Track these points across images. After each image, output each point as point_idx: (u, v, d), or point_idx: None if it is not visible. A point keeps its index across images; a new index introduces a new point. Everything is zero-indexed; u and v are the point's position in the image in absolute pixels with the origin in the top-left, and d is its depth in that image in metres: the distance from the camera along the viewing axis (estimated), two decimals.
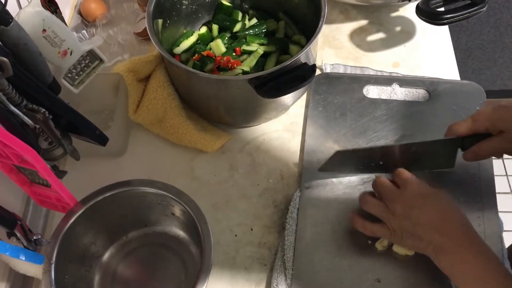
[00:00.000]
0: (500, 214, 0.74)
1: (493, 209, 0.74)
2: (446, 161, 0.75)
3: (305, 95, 0.90)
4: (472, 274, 0.60)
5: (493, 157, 0.72)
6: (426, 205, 0.65)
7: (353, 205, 0.76)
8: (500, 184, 0.68)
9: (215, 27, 0.94)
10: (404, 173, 0.69)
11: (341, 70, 0.93)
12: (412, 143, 0.74)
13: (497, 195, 0.75)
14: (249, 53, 0.90)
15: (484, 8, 0.81)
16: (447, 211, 0.65)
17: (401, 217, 0.66)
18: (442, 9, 0.84)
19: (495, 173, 0.77)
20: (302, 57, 0.75)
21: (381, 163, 0.77)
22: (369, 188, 0.75)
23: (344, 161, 0.78)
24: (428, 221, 0.64)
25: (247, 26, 0.94)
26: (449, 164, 0.75)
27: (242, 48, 0.90)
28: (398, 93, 0.88)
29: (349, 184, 0.79)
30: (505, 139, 0.67)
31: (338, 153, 0.78)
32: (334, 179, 0.79)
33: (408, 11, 1.01)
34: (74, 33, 0.99)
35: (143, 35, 0.98)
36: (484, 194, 0.75)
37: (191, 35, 0.92)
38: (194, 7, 0.93)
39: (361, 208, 0.72)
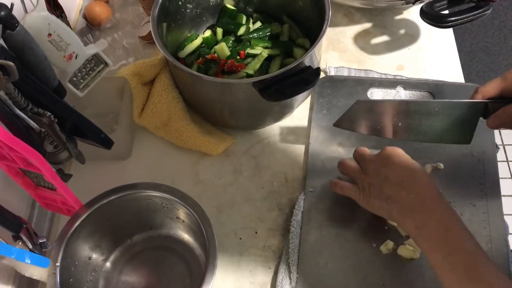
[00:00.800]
0: (505, 217, 0.73)
1: (498, 212, 0.74)
2: (464, 133, 0.71)
3: (309, 98, 0.90)
4: (435, 236, 0.59)
5: None
6: (397, 164, 0.66)
7: (357, 208, 0.76)
8: (506, 187, 0.68)
9: (219, 31, 0.94)
10: (365, 153, 0.72)
11: (345, 73, 0.93)
12: (435, 101, 0.72)
13: (503, 198, 0.75)
14: (253, 56, 0.90)
15: (489, 11, 0.81)
16: (416, 173, 0.65)
17: (371, 175, 0.68)
18: (446, 11, 0.84)
19: (500, 176, 0.77)
20: (306, 60, 0.75)
21: (399, 124, 0.73)
22: None
23: (363, 115, 0.75)
24: (396, 179, 0.65)
25: (251, 30, 0.94)
26: (466, 138, 0.71)
27: (246, 51, 0.90)
28: (402, 96, 0.88)
29: None
30: None
31: (358, 103, 0.74)
32: None
33: (412, 14, 1.01)
34: (79, 37, 1.00)
35: (147, 39, 0.98)
36: (489, 197, 0.75)
37: (196, 39, 0.92)
38: (198, 10, 0.94)
39: (338, 170, 0.74)
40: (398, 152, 0.68)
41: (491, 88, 0.67)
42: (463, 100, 0.69)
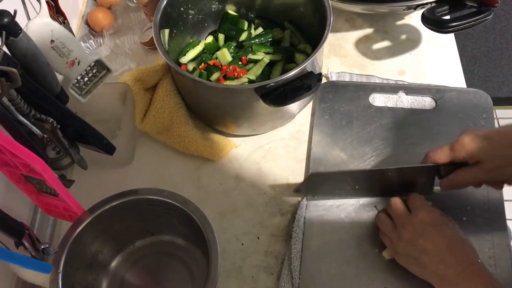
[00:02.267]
0: (508, 223, 0.73)
1: (501, 217, 0.73)
2: (423, 187, 0.73)
3: (311, 104, 0.90)
4: None
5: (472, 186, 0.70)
6: (434, 234, 0.65)
7: (358, 214, 0.76)
8: (508, 191, 0.67)
9: (221, 37, 0.95)
10: (417, 198, 0.69)
11: (347, 78, 0.94)
12: (388, 169, 0.72)
13: (505, 203, 0.75)
14: (255, 62, 0.90)
15: (490, 16, 0.81)
16: (455, 243, 0.64)
17: (407, 243, 0.66)
18: (448, 17, 0.84)
19: None
20: (308, 65, 0.75)
21: (356, 187, 0.75)
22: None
23: (319, 184, 0.77)
24: (434, 251, 0.64)
25: (253, 35, 0.95)
26: (427, 191, 0.74)
27: (248, 57, 0.90)
28: (404, 101, 0.88)
29: None
30: (482, 169, 0.66)
31: (312, 176, 0.77)
32: None
33: (414, 19, 1.01)
34: (82, 43, 1.00)
35: (149, 45, 0.99)
36: (491, 202, 0.75)
37: (198, 45, 0.93)
38: (200, 16, 0.94)
39: (377, 224, 0.73)
40: (434, 218, 0.66)
41: (441, 156, 0.69)
42: (416, 165, 0.72)
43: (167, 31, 0.86)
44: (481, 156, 0.66)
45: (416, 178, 0.72)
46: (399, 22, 1.01)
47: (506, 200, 0.75)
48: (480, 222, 0.73)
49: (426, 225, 0.66)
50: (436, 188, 0.75)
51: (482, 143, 0.66)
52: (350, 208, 0.77)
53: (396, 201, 0.71)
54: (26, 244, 0.63)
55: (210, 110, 0.85)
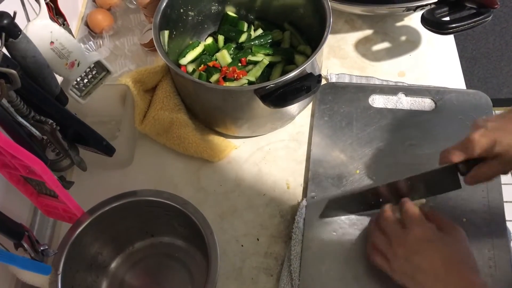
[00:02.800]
0: (508, 224, 0.73)
1: (501, 218, 0.73)
2: (449, 184, 0.71)
3: (310, 105, 0.90)
4: None
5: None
6: (429, 251, 0.62)
7: (359, 215, 0.76)
8: (508, 193, 0.67)
9: (221, 38, 0.95)
10: (411, 210, 0.67)
11: (346, 79, 0.94)
12: (408, 178, 0.71)
13: (505, 204, 0.75)
14: (255, 63, 0.90)
15: (490, 18, 0.81)
16: (452, 260, 0.62)
17: (403, 260, 0.63)
18: (447, 18, 0.84)
19: (502, 182, 0.77)
20: (307, 67, 0.75)
21: (381, 200, 0.74)
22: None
23: (340, 207, 0.76)
24: (430, 269, 0.61)
25: (252, 37, 0.95)
26: (455, 185, 0.70)
27: (248, 58, 0.90)
28: (404, 102, 0.88)
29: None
30: (503, 162, 0.64)
31: (330, 201, 0.76)
32: (340, 189, 0.79)
33: (413, 20, 1.01)
34: (81, 44, 1.00)
35: (149, 46, 0.99)
36: (491, 203, 0.75)
37: (197, 46, 0.93)
38: (200, 18, 0.94)
39: (368, 238, 0.71)
40: (430, 234, 0.64)
41: (455, 156, 0.66)
42: (435, 168, 0.70)
43: (166, 32, 0.86)
44: (498, 150, 0.63)
45: (438, 179, 0.70)
46: (399, 24, 1.01)
47: (506, 201, 0.75)
48: (480, 223, 0.73)
49: (421, 241, 0.63)
50: (421, 201, 0.73)
51: (495, 136, 0.63)
52: (349, 210, 0.77)
53: (387, 213, 0.68)
54: (26, 245, 0.63)
55: (210, 111, 0.85)
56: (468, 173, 0.67)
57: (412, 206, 0.68)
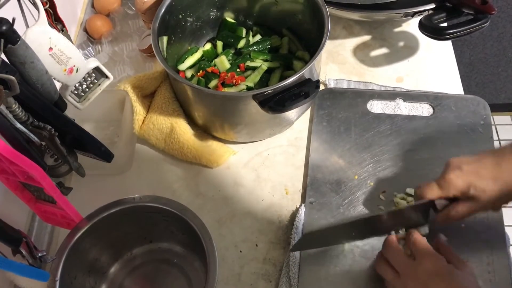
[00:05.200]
0: (506, 228, 0.73)
1: (499, 223, 0.73)
2: (419, 220, 0.70)
3: (309, 110, 0.90)
4: None
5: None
6: (440, 285, 0.61)
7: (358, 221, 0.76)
8: None
9: (219, 44, 0.95)
10: (420, 243, 0.65)
11: (344, 85, 0.94)
12: (382, 214, 0.70)
13: (503, 209, 0.75)
14: (253, 69, 0.90)
15: (487, 23, 0.81)
16: None
17: None
18: (445, 24, 0.85)
19: None
20: (306, 72, 0.75)
21: (353, 234, 0.73)
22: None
23: (316, 241, 0.73)
24: None
25: (251, 43, 0.95)
26: (423, 221, 0.71)
27: (246, 64, 0.91)
28: (402, 107, 0.88)
29: (353, 199, 0.78)
30: (478, 203, 0.65)
31: (307, 235, 0.74)
32: (339, 195, 0.79)
33: (411, 26, 1.01)
34: (80, 50, 1.00)
35: (148, 52, 0.99)
36: (490, 214, 0.75)
37: (196, 52, 0.93)
38: (198, 24, 0.94)
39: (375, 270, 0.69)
40: (440, 267, 0.62)
41: (431, 194, 0.66)
42: (410, 205, 0.70)
43: (165, 38, 0.86)
44: (473, 193, 0.64)
45: (412, 216, 0.70)
46: (397, 29, 1.02)
47: (505, 206, 0.75)
48: (478, 229, 0.73)
49: (432, 275, 0.61)
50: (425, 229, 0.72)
51: (470, 179, 0.64)
52: (347, 215, 0.77)
53: (393, 245, 0.66)
54: (24, 252, 0.63)
55: (208, 117, 0.85)
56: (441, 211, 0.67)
57: (420, 237, 0.66)
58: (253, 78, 0.88)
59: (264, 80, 0.89)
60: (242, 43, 0.94)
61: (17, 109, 0.57)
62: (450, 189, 0.65)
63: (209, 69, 0.90)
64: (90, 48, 1.02)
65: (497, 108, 2.00)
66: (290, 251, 0.73)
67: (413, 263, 0.63)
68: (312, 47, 0.82)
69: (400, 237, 0.68)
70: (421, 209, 0.69)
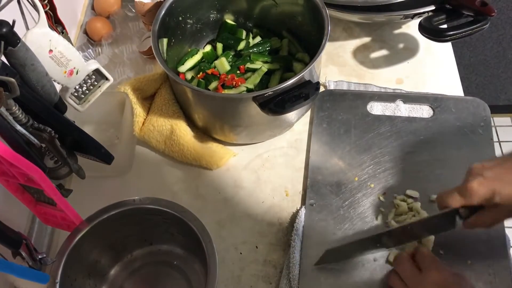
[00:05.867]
0: (506, 230, 0.73)
1: (499, 225, 0.73)
2: (445, 227, 0.69)
3: (309, 112, 0.90)
4: None
5: None
6: None
7: (358, 222, 0.76)
8: None
9: (219, 46, 0.95)
10: (426, 256, 0.66)
11: (344, 87, 0.94)
12: (409, 224, 0.69)
13: None
14: (253, 70, 0.90)
15: (487, 25, 0.81)
16: None
17: None
18: (445, 26, 0.85)
19: None
20: (306, 74, 0.75)
21: (378, 245, 0.72)
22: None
23: (338, 255, 0.73)
24: None
25: (251, 44, 0.95)
26: (451, 226, 0.69)
27: (246, 66, 0.91)
28: (402, 109, 0.88)
29: (354, 201, 0.78)
30: (503, 211, 0.63)
31: (328, 252, 0.73)
32: (339, 197, 0.79)
33: (411, 28, 1.02)
34: (80, 52, 1.01)
35: (148, 54, 0.99)
36: None
37: (196, 54, 0.93)
38: (198, 26, 0.94)
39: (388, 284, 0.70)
40: (446, 279, 0.63)
41: (455, 202, 0.64)
42: (435, 214, 0.68)
43: (165, 40, 0.86)
44: (497, 200, 0.61)
45: (437, 223, 0.69)
46: (397, 31, 1.02)
47: None
48: (479, 230, 0.73)
49: (439, 286, 0.63)
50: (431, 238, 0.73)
51: (495, 186, 0.61)
52: (347, 216, 0.77)
53: (404, 261, 0.67)
54: (24, 254, 0.63)
55: (209, 119, 0.85)
56: (467, 218, 0.66)
57: (426, 251, 0.67)
58: (253, 80, 0.88)
59: (264, 82, 0.89)
60: (242, 45, 0.94)
61: (17, 111, 0.57)
62: (474, 198, 0.62)
63: (209, 71, 0.90)
64: (90, 50, 1.02)
65: (497, 109, 2.00)
66: (314, 264, 0.73)
67: (421, 275, 0.64)
68: (312, 49, 0.83)
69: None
70: (446, 217, 0.67)
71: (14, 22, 0.55)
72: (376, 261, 0.72)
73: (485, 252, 0.71)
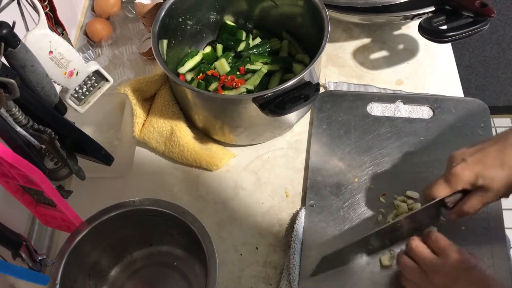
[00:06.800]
0: (506, 231, 0.73)
1: (500, 226, 0.73)
2: (431, 220, 0.71)
3: (309, 113, 0.90)
4: None
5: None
6: (471, 279, 0.61)
7: (358, 223, 0.76)
8: (507, 200, 0.67)
9: (219, 47, 0.95)
10: (441, 240, 0.65)
11: (344, 88, 0.94)
12: (396, 221, 0.70)
13: (504, 212, 0.75)
14: (253, 72, 0.90)
15: (486, 26, 0.81)
16: (492, 285, 0.61)
17: None
18: (445, 27, 0.85)
19: None
20: (305, 75, 0.75)
21: (370, 247, 0.73)
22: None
23: (333, 262, 0.73)
24: None
25: (251, 46, 0.95)
26: (435, 220, 0.72)
27: (246, 67, 0.91)
28: (402, 110, 0.88)
29: (354, 202, 0.78)
30: (489, 193, 0.64)
31: (324, 259, 0.73)
32: (339, 198, 0.79)
33: (411, 29, 1.02)
34: (80, 53, 1.01)
35: (148, 55, 0.99)
36: (490, 211, 0.75)
37: (196, 55, 0.93)
38: (198, 27, 0.94)
39: (398, 269, 0.69)
40: (467, 260, 0.62)
41: (440, 191, 0.66)
42: (421, 208, 0.69)
43: (165, 41, 0.86)
44: (482, 183, 0.63)
45: (424, 218, 0.70)
46: (396, 32, 1.02)
47: (505, 209, 0.75)
48: (479, 231, 0.73)
49: (461, 269, 0.62)
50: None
51: (477, 169, 0.63)
52: (347, 218, 0.77)
53: (418, 244, 0.66)
54: (24, 255, 0.63)
55: (209, 120, 0.85)
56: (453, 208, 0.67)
57: (440, 236, 0.66)
58: (253, 81, 0.89)
59: (264, 83, 0.89)
60: (242, 46, 0.94)
61: (17, 113, 0.57)
62: (458, 183, 0.65)
63: (209, 72, 0.90)
64: (90, 52, 1.03)
65: (497, 110, 2.00)
66: (311, 276, 0.72)
67: (439, 259, 0.63)
68: (312, 50, 0.83)
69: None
70: (432, 209, 0.68)
71: (14, 23, 0.55)
72: (377, 265, 0.72)
73: (485, 253, 0.71)
